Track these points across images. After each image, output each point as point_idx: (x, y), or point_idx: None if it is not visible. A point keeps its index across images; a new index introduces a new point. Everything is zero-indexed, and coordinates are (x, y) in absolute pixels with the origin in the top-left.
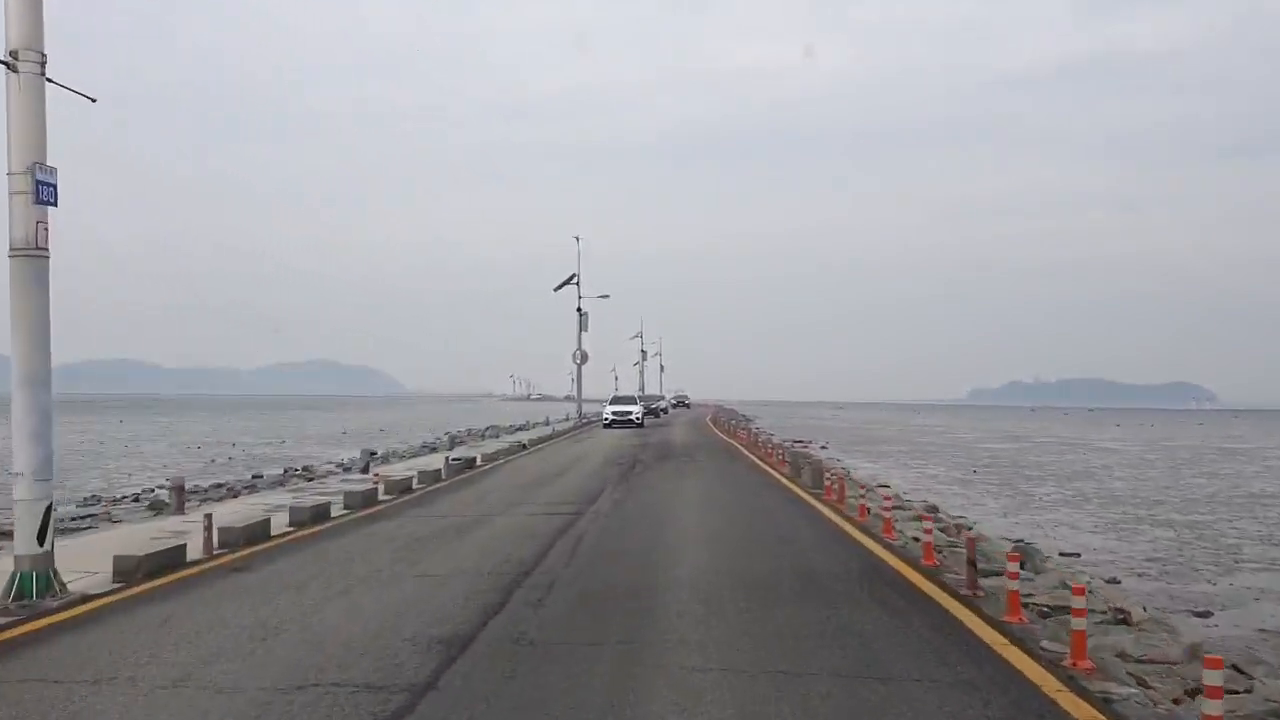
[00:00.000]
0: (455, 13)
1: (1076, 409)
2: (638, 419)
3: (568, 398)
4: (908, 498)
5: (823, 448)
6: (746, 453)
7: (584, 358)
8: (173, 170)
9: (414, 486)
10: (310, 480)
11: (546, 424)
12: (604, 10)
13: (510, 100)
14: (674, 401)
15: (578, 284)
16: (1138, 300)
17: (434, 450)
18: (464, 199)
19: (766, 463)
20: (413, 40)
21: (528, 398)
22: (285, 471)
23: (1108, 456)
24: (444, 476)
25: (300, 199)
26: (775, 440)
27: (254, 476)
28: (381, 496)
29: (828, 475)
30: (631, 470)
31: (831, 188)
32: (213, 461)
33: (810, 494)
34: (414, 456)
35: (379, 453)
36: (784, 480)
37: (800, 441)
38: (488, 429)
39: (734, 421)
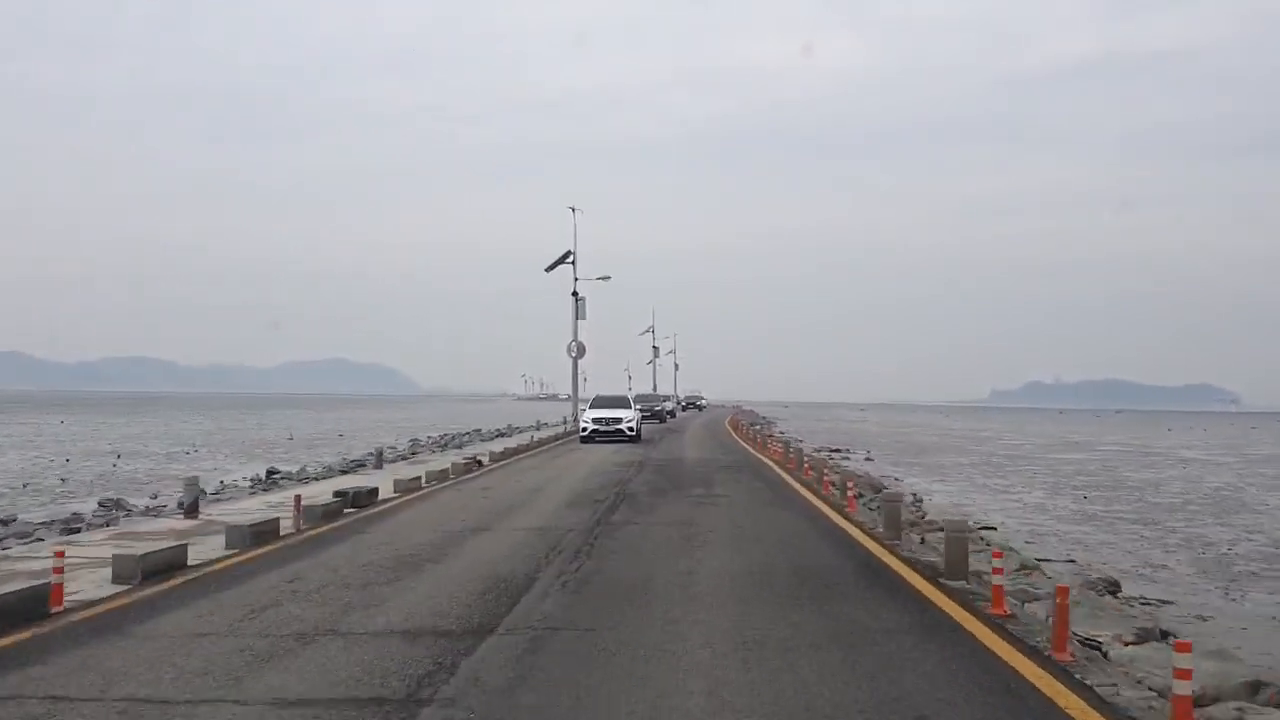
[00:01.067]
0: (456, 13)
1: (1104, 411)
2: (631, 429)
3: (560, 397)
4: (1039, 552)
5: (867, 459)
6: (788, 478)
7: (580, 350)
8: (186, 169)
9: (188, 563)
10: (77, 531)
11: (537, 429)
12: (609, 8)
13: (518, 99)
14: (684, 403)
15: (573, 263)
16: (1154, 301)
17: (361, 467)
18: (479, 197)
19: (824, 497)
20: (414, 40)
21: (545, 396)
22: (99, 505)
23: (1212, 471)
24: (291, 530)
25: (316, 198)
26: (818, 453)
27: (3, 521)
28: (97, 594)
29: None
30: (608, 518)
31: (838, 186)
32: (24, 486)
33: (948, 596)
34: (321, 479)
35: (281, 471)
36: (872, 545)
37: (837, 450)
38: (464, 435)
39: (757, 426)
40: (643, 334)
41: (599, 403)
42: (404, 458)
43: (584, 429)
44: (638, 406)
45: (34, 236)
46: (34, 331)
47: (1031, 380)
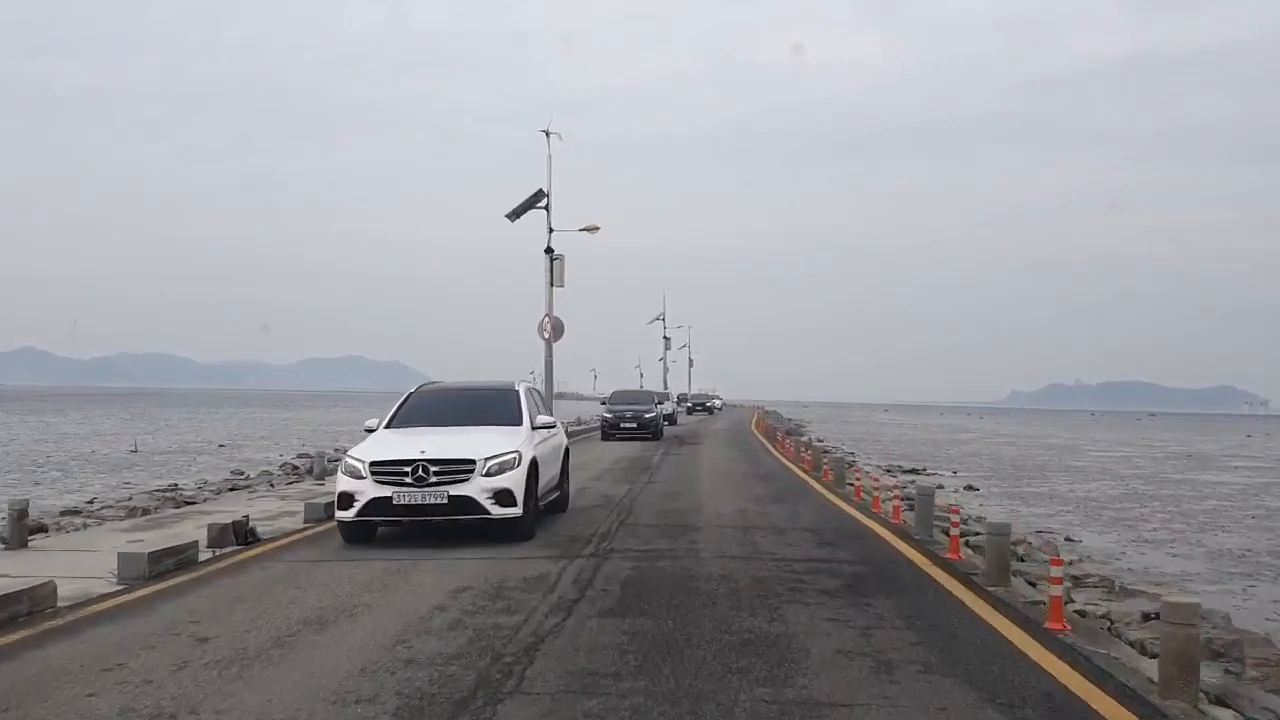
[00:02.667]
0: (456, 13)
1: (1136, 413)
2: (511, 497)
3: (581, 396)
4: None
5: (969, 489)
6: (1006, 628)
7: (557, 329)
8: (205, 169)
9: None
10: None
11: None
12: (611, 9)
13: (518, 99)
14: (690, 404)
15: (547, 207)
16: (1171, 303)
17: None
18: (479, 196)
19: None
20: (415, 41)
21: (559, 395)
22: None
23: None
24: None
25: (322, 199)
26: (888, 473)
27: None
28: None
29: None
30: None
31: (844, 186)
32: None
33: None
34: None
35: None
36: None
37: (913, 470)
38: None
39: (804, 439)
40: (651, 322)
41: (413, 413)
42: (189, 502)
43: (348, 497)
44: (550, 422)
45: (49, 234)
46: (50, 328)
47: (1052, 382)
